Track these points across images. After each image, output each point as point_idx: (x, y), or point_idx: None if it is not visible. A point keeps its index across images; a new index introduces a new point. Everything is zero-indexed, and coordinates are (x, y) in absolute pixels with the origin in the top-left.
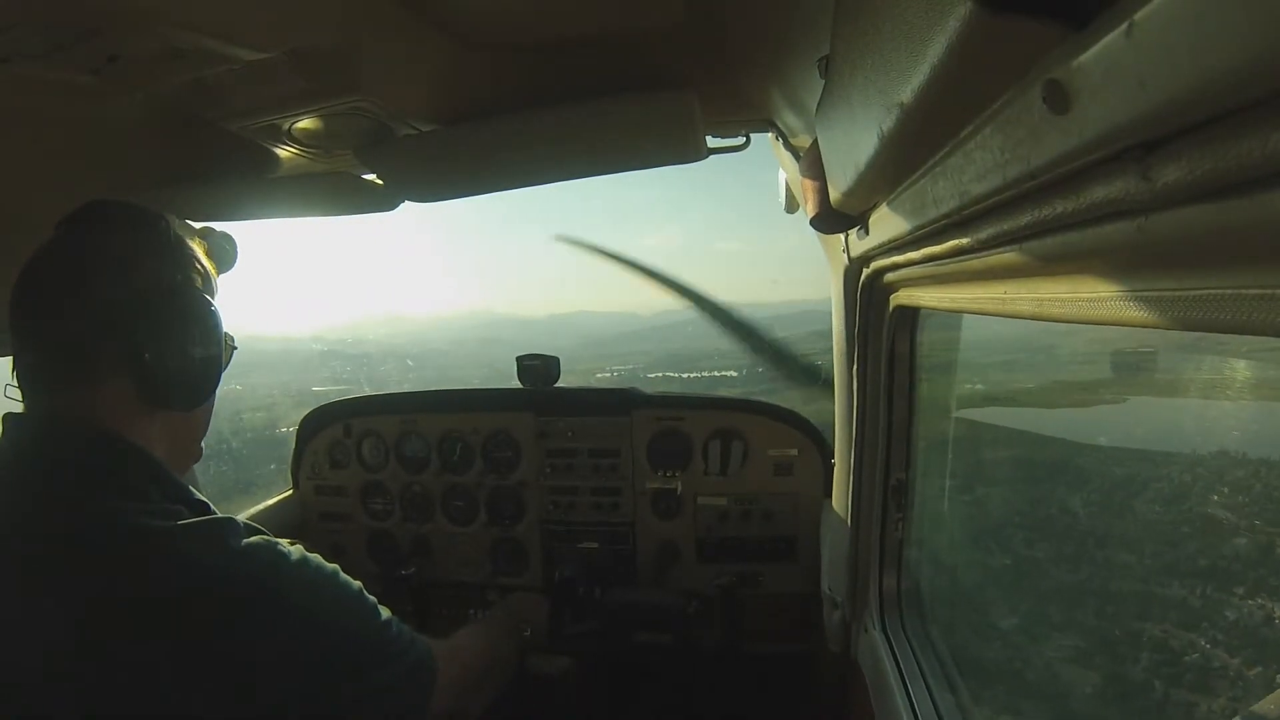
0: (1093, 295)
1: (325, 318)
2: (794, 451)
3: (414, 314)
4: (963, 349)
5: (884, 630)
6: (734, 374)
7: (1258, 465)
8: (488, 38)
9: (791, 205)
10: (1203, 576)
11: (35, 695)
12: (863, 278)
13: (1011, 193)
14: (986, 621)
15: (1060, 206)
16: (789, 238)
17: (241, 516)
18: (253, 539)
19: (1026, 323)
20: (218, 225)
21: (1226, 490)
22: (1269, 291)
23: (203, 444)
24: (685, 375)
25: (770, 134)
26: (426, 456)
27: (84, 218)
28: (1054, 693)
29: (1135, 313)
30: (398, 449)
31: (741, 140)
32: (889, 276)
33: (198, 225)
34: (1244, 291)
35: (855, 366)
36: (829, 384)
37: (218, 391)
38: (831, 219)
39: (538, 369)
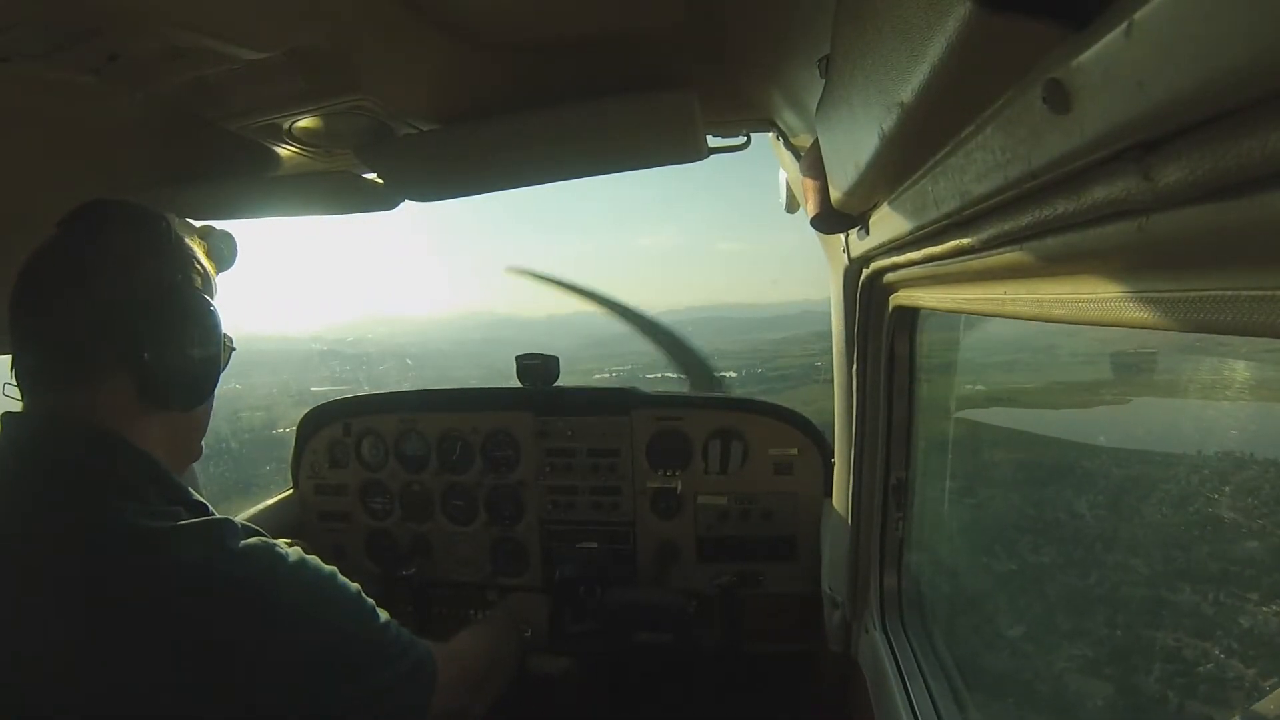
0: (1093, 296)
1: (325, 317)
2: (794, 451)
3: (414, 314)
4: (962, 349)
5: (884, 630)
6: (733, 374)
7: (1265, 466)
8: (488, 37)
9: (792, 205)
10: (1205, 580)
11: (34, 695)
12: (863, 278)
13: (1012, 193)
14: (987, 621)
15: (1061, 207)
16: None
17: (241, 516)
18: (250, 540)
19: (1026, 323)
20: (218, 224)
21: (1232, 492)
22: (1269, 292)
23: (203, 443)
24: (683, 376)
25: (770, 134)
26: (426, 455)
27: (83, 217)
28: (1054, 693)
29: (1136, 313)
30: (397, 448)
31: (742, 140)
32: (889, 276)
33: (198, 224)
34: (1244, 292)
35: (855, 366)
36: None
37: (217, 391)
38: (832, 219)
39: (537, 368)
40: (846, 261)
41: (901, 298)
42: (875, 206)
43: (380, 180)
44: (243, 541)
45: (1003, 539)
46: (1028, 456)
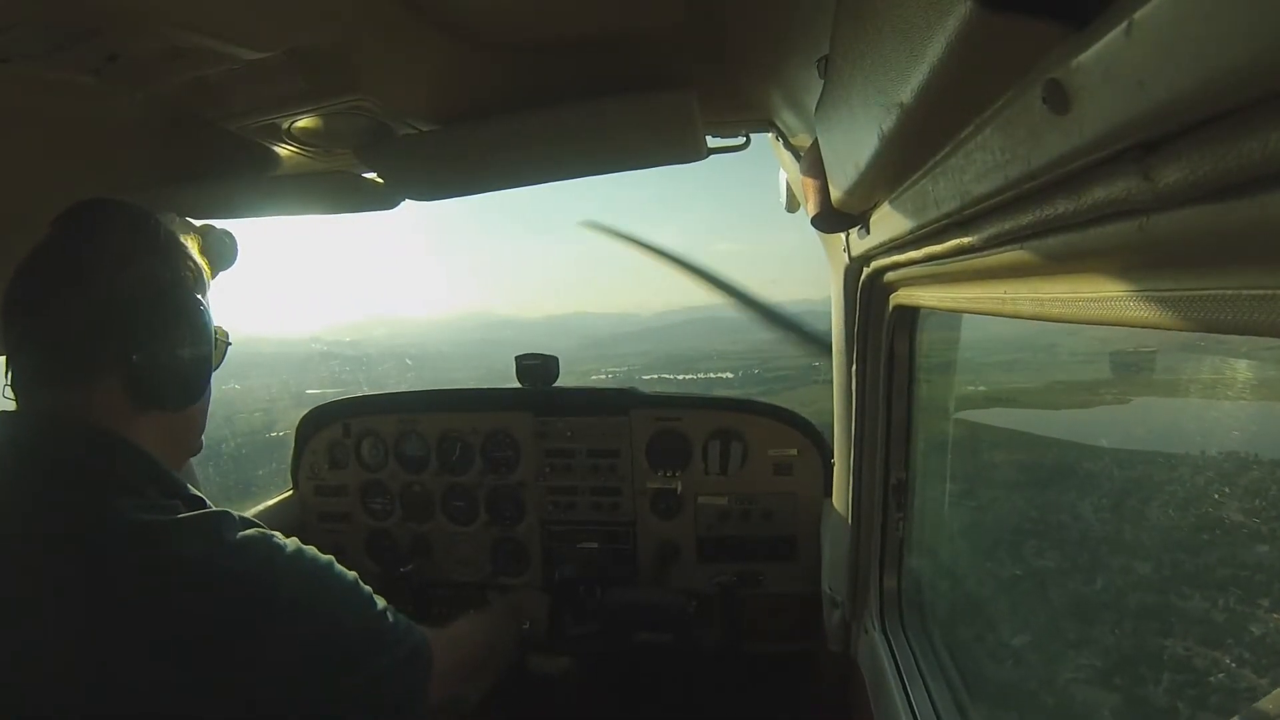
0: (1094, 295)
1: (325, 318)
2: (794, 451)
3: (413, 315)
4: (963, 349)
5: (884, 630)
6: (730, 375)
7: (1270, 467)
8: (487, 37)
9: (792, 205)
10: (1213, 585)
11: (35, 695)
12: (863, 277)
13: (1012, 193)
14: (987, 622)
15: (1061, 206)
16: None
17: None
18: (248, 532)
19: (1027, 322)
20: (218, 223)
21: (1237, 493)
22: (1269, 292)
23: (203, 438)
24: (681, 376)
25: (770, 134)
26: (426, 456)
27: (75, 216)
28: (1054, 693)
29: (1136, 313)
30: (397, 448)
31: (741, 140)
32: (889, 276)
33: (198, 223)
34: (1244, 292)
35: (855, 366)
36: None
37: (215, 391)
38: (832, 218)
39: (536, 369)
40: (847, 261)
41: (902, 297)
42: (875, 206)
43: (380, 180)
44: (241, 533)
45: (1003, 540)
46: (1028, 457)
